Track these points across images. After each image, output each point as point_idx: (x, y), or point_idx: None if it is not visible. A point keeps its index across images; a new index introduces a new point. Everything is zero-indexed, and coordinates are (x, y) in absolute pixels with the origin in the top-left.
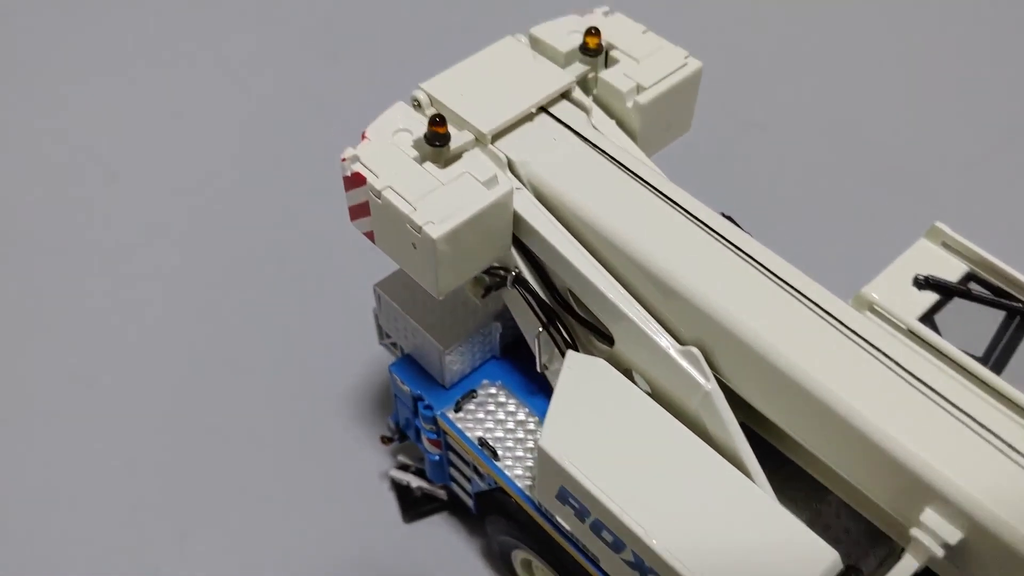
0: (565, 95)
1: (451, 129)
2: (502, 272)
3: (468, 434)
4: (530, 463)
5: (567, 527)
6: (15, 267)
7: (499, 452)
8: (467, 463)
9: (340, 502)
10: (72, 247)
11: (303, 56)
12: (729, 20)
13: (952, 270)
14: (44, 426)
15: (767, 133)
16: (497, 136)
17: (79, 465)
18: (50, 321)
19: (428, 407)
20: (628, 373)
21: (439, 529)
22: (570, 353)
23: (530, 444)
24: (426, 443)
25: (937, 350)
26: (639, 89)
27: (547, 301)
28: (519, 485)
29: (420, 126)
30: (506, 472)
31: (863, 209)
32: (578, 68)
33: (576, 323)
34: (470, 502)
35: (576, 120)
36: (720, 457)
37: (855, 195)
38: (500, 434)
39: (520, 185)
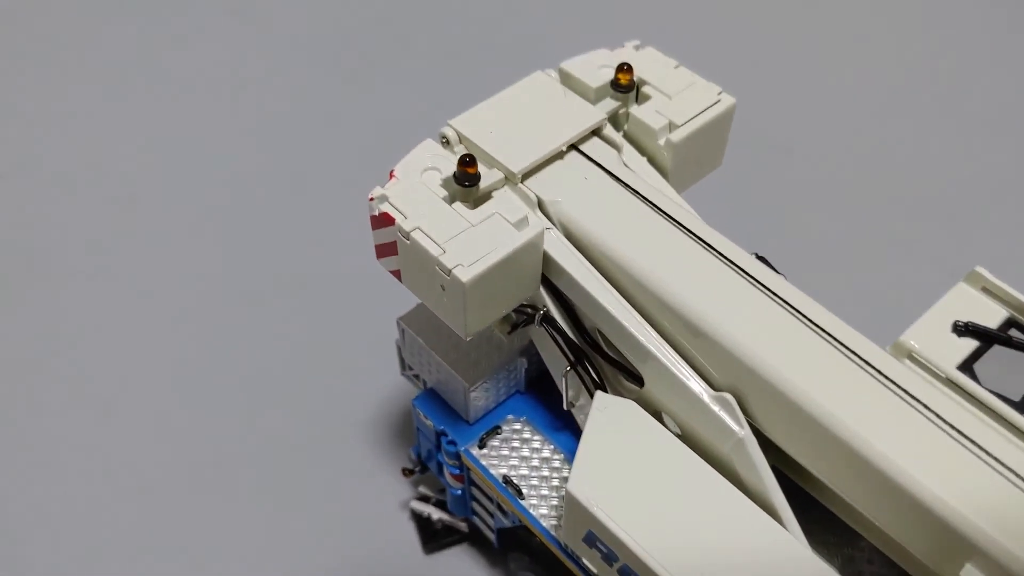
0: (596, 132)
1: (481, 168)
2: (530, 310)
3: (492, 471)
4: (555, 502)
5: (594, 570)
6: (34, 291)
7: (524, 490)
8: (490, 499)
9: (360, 532)
10: (91, 269)
11: (329, 81)
12: (760, 45)
13: (992, 316)
14: (60, 450)
15: (793, 157)
16: (527, 175)
17: (93, 490)
18: (68, 344)
19: (452, 442)
20: (657, 415)
21: (459, 561)
22: (599, 394)
23: (555, 482)
24: (448, 477)
25: (977, 400)
26: (672, 127)
27: (575, 340)
28: (544, 525)
29: (449, 164)
30: (531, 511)
31: (898, 242)
32: (609, 104)
33: (605, 363)
34: (492, 536)
35: (607, 158)
36: (752, 503)
37: (889, 227)
38: (525, 471)
39: (550, 225)
